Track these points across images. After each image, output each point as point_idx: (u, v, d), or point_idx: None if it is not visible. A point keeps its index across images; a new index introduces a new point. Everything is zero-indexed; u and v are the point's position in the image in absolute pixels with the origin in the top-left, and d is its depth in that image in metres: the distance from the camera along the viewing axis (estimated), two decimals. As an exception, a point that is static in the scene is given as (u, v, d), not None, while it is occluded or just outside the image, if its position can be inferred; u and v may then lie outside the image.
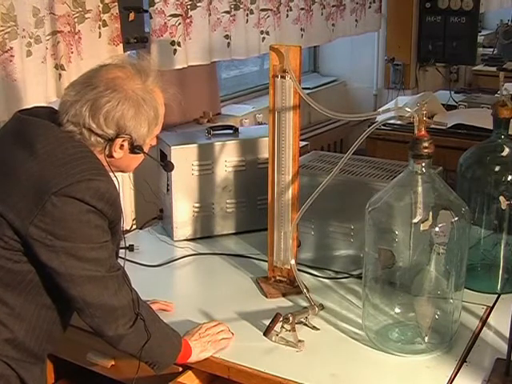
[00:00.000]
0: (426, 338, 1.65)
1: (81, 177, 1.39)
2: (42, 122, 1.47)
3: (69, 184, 1.38)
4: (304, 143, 3.34)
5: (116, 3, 2.29)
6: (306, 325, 1.74)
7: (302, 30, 3.58)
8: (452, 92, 4.16)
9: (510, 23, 5.22)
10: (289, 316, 1.66)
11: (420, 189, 1.60)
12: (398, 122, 3.26)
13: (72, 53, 2.24)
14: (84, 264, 1.41)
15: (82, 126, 1.45)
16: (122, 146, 1.49)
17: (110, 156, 1.50)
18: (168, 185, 2.27)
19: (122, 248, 2.16)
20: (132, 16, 2.39)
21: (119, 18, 2.30)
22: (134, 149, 1.51)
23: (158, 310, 1.81)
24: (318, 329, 1.74)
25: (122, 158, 1.52)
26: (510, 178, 1.89)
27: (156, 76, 1.54)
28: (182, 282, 2.13)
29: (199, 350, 1.63)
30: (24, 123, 1.48)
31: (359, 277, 1.87)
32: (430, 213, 1.58)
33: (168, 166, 1.90)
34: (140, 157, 1.56)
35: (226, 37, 2.99)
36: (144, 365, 1.74)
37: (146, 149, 1.55)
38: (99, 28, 2.27)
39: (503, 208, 1.80)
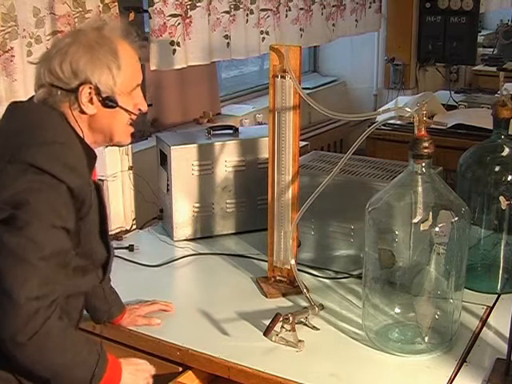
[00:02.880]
0: (426, 338, 1.65)
1: (33, 141, 1.36)
2: (19, 103, 1.49)
3: (20, 150, 1.34)
4: (304, 143, 3.35)
5: (116, 3, 2.29)
6: (306, 325, 1.74)
7: (301, 30, 3.58)
8: (452, 92, 4.17)
9: (510, 23, 5.23)
10: (289, 316, 1.65)
11: (420, 189, 1.60)
12: (398, 122, 3.26)
13: (72, 53, 2.24)
14: (20, 239, 1.30)
15: (47, 84, 1.43)
16: (91, 100, 1.43)
17: (83, 112, 1.44)
18: (168, 185, 2.27)
19: (120, 248, 2.19)
20: (132, 16, 2.39)
21: (119, 18, 2.30)
22: (105, 100, 1.44)
23: (157, 310, 1.81)
24: (318, 329, 1.74)
25: (98, 115, 1.45)
26: (510, 177, 1.89)
27: (115, 27, 1.49)
28: (182, 282, 2.13)
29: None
30: (8, 110, 1.49)
31: (359, 277, 1.87)
32: (430, 213, 1.58)
33: (157, 124, 1.71)
34: (119, 114, 1.48)
35: (226, 37, 2.99)
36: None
37: (122, 103, 1.47)
38: (99, 28, 2.26)
39: (503, 208, 1.79)
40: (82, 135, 1.46)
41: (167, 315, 1.81)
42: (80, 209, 1.39)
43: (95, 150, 1.53)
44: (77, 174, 1.38)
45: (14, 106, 1.49)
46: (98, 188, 1.52)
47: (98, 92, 1.43)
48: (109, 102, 1.45)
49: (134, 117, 1.51)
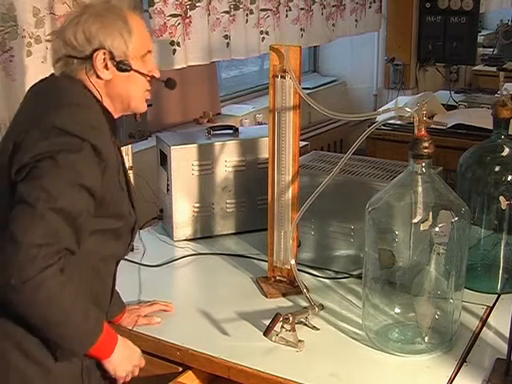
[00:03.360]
0: (426, 338, 1.65)
1: (53, 106, 1.42)
2: (38, 82, 1.56)
3: (42, 116, 1.41)
4: (304, 143, 3.34)
5: (116, 3, 2.29)
6: (306, 325, 1.74)
7: (301, 29, 3.58)
8: (452, 92, 4.17)
9: (510, 23, 5.23)
10: (289, 316, 1.65)
11: (420, 189, 1.60)
12: (398, 122, 3.27)
13: (72, 53, 2.24)
14: (40, 192, 1.33)
15: (63, 57, 1.49)
16: (106, 66, 1.48)
17: (99, 78, 1.49)
18: (168, 185, 2.27)
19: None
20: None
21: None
22: (119, 64, 1.49)
23: (157, 310, 1.81)
24: (318, 329, 1.74)
25: (114, 81, 1.50)
26: (510, 177, 1.89)
27: (122, 0, 1.58)
28: (182, 282, 2.13)
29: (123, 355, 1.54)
30: (30, 91, 1.57)
31: (359, 277, 1.87)
32: (430, 213, 1.58)
33: (170, 83, 1.70)
34: (135, 78, 1.53)
35: (226, 37, 2.99)
36: (145, 363, 1.74)
37: (136, 67, 1.52)
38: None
39: (503, 208, 1.79)
40: (101, 100, 1.51)
41: (167, 315, 1.81)
42: (105, 170, 1.42)
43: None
44: (99, 133, 1.43)
45: (35, 86, 1.56)
46: (120, 152, 1.58)
47: (112, 57, 1.48)
48: (123, 66, 1.49)
49: (148, 80, 1.55)
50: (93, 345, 1.45)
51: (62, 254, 1.37)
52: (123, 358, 1.54)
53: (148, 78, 1.56)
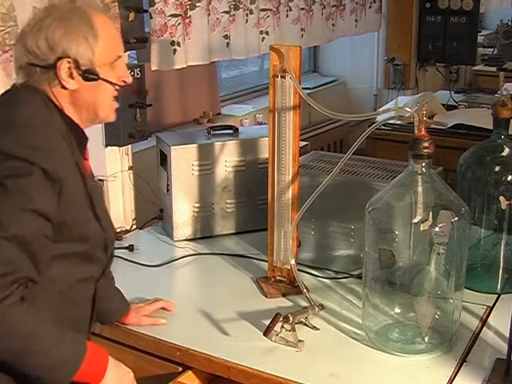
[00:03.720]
0: (426, 338, 1.65)
1: (0, 128, 1.33)
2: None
3: None
4: (304, 143, 3.35)
5: (116, 3, 2.29)
6: (306, 325, 1.74)
7: (302, 30, 3.58)
8: (452, 92, 4.17)
9: (510, 23, 5.23)
10: (289, 316, 1.65)
11: (420, 189, 1.60)
12: (398, 122, 3.27)
13: (72, 53, 2.24)
14: None
15: (25, 65, 1.40)
16: (71, 75, 1.39)
17: (64, 88, 1.40)
18: (168, 185, 2.27)
19: (120, 248, 2.19)
20: (132, 16, 2.38)
21: (119, 18, 2.30)
22: (85, 73, 1.39)
23: (160, 307, 1.81)
24: (318, 329, 1.74)
25: (80, 90, 1.41)
26: (510, 177, 1.89)
27: (89, 0, 1.46)
28: (182, 282, 2.13)
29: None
30: None
31: (359, 277, 1.87)
32: (430, 213, 1.58)
33: (141, 93, 1.66)
34: (102, 87, 1.43)
35: (226, 37, 2.99)
36: (144, 364, 1.74)
37: (104, 75, 1.42)
38: (99, 28, 2.26)
39: (503, 208, 1.80)
40: (64, 112, 1.42)
41: (167, 315, 1.81)
42: (61, 191, 1.34)
43: (84, 131, 1.49)
44: (51, 154, 1.34)
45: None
46: (86, 167, 1.48)
47: (77, 65, 1.39)
48: (89, 75, 1.40)
49: (117, 89, 1.47)
50: (76, 369, 1.35)
51: (21, 282, 1.29)
52: (116, 379, 1.45)
53: (117, 87, 1.47)
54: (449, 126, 3.14)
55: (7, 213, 1.28)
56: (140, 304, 1.81)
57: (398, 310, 1.70)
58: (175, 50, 2.70)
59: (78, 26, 1.39)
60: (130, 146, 2.47)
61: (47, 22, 1.38)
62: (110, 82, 1.45)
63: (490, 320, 1.77)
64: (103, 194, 2.35)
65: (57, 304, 1.44)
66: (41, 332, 1.33)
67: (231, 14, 3.01)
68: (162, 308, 1.82)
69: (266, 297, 1.91)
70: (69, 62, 1.39)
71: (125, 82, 1.49)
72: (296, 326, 1.67)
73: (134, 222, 2.53)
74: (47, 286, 1.39)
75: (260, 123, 3.95)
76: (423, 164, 1.58)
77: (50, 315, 1.39)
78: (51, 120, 1.40)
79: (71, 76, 1.40)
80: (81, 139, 1.48)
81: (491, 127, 1.95)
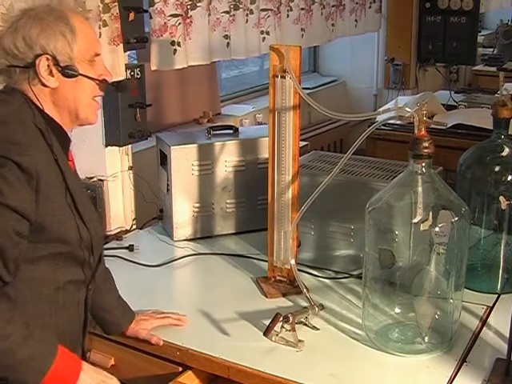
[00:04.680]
0: (426, 338, 1.65)
1: None
2: None
3: None
4: (304, 143, 3.35)
5: (116, 3, 2.29)
6: (306, 325, 1.74)
7: (302, 29, 3.58)
8: (452, 92, 4.17)
9: (510, 23, 5.23)
10: (289, 316, 1.65)
11: (420, 189, 1.60)
12: (398, 122, 3.27)
13: (72, 53, 2.24)
14: None
15: (4, 68, 1.39)
16: (51, 72, 1.39)
17: (45, 85, 1.40)
18: (168, 185, 2.27)
19: (120, 248, 2.19)
20: (132, 16, 2.38)
21: (119, 18, 2.30)
22: (65, 70, 1.39)
23: (168, 325, 1.75)
24: (318, 329, 1.74)
25: (60, 88, 1.41)
26: (510, 177, 1.89)
27: (64, 2, 1.45)
28: (181, 282, 2.13)
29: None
30: None
31: (359, 277, 1.87)
32: (430, 213, 1.58)
33: (120, 86, 1.67)
34: (83, 83, 1.43)
35: (226, 37, 2.99)
36: (144, 364, 1.74)
37: (83, 70, 1.42)
38: (99, 28, 2.26)
39: (503, 208, 1.79)
40: (45, 111, 1.41)
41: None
42: (37, 188, 1.31)
43: (67, 133, 1.48)
44: (23, 149, 1.31)
45: None
46: (69, 167, 1.46)
47: (56, 62, 1.39)
48: (69, 71, 1.40)
49: (98, 86, 1.46)
50: (44, 371, 1.31)
51: None
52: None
53: (97, 82, 1.46)
54: (449, 126, 3.14)
55: None
56: (146, 316, 1.75)
57: (397, 310, 1.70)
58: (175, 50, 2.70)
59: (54, 23, 1.39)
60: (129, 145, 2.47)
61: (23, 21, 1.39)
62: (90, 78, 1.44)
63: (490, 320, 1.77)
64: (103, 196, 2.35)
65: (44, 307, 1.41)
66: (7, 331, 1.29)
67: (231, 13, 3.01)
68: (172, 325, 1.75)
69: (266, 297, 1.91)
70: (47, 59, 1.38)
71: (105, 80, 1.48)
72: (296, 326, 1.67)
73: (134, 221, 2.53)
74: (33, 287, 1.38)
75: (260, 123, 3.95)
76: (423, 164, 1.58)
77: (22, 316, 1.35)
78: (28, 117, 1.39)
79: (51, 73, 1.40)
80: (63, 140, 1.47)
81: (491, 127, 1.95)
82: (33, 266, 1.36)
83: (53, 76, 1.40)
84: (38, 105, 1.41)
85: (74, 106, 1.45)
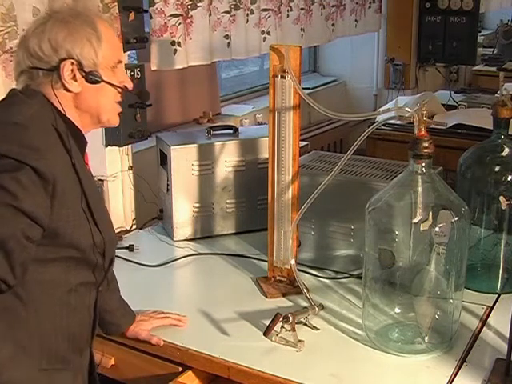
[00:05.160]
0: (426, 338, 1.65)
1: None
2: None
3: None
4: (304, 143, 3.35)
5: (116, 3, 2.29)
6: (306, 325, 1.74)
7: (302, 30, 3.58)
8: (452, 92, 4.17)
9: (510, 23, 5.23)
10: (289, 316, 1.65)
11: (420, 189, 1.60)
12: (398, 122, 3.27)
13: (72, 53, 2.24)
14: None
15: (27, 69, 1.39)
16: (74, 77, 1.38)
17: (67, 90, 1.39)
18: (168, 185, 2.27)
19: (120, 248, 2.19)
20: (132, 16, 2.39)
21: (119, 18, 2.30)
22: (89, 75, 1.39)
23: (168, 325, 1.75)
24: (318, 329, 1.74)
25: (83, 93, 1.40)
26: (510, 177, 1.89)
27: (90, 5, 1.47)
28: (182, 282, 2.13)
29: None
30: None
31: (359, 277, 1.87)
32: (430, 213, 1.58)
33: (143, 95, 1.68)
34: (105, 90, 1.43)
35: (226, 37, 2.99)
36: (144, 364, 1.74)
37: (106, 77, 1.42)
38: (99, 28, 2.27)
39: (503, 208, 1.79)
40: (66, 115, 1.40)
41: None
42: (54, 193, 1.30)
43: (85, 135, 1.47)
44: (41, 154, 1.29)
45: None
46: (85, 172, 1.45)
47: (80, 67, 1.38)
48: (93, 77, 1.39)
49: (120, 91, 1.46)
50: None
51: None
52: None
53: (119, 90, 1.46)
54: (449, 125, 3.14)
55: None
56: (146, 317, 1.75)
57: (398, 310, 1.70)
58: (176, 50, 2.70)
59: (81, 28, 1.38)
60: (130, 145, 2.47)
61: (49, 24, 1.38)
62: (113, 85, 1.44)
63: (490, 320, 1.77)
64: (103, 196, 2.35)
65: (55, 309, 1.40)
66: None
67: (232, 13, 3.01)
68: (172, 325, 1.75)
69: (266, 297, 1.91)
70: (72, 64, 1.38)
71: (126, 87, 1.48)
72: (296, 326, 1.67)
73: (134, 222, 2.53)
74: (45, 289, 1.37)
75: (260, 123, 3.95)
76: (423, 164, 1.58)
77: (50, 324, 1.36)
78: (48, 120, 1.38)
79: (74, 78, 1.39)
80: (81, 142, 1.46)
81: (491, 127, 1.95)
82: (43, 268, 1.35)
83: (76, 81, 1.39)
84: (60, 108, 1.40)
85: (96, 111, 1.45)
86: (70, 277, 1.40)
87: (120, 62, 1.47)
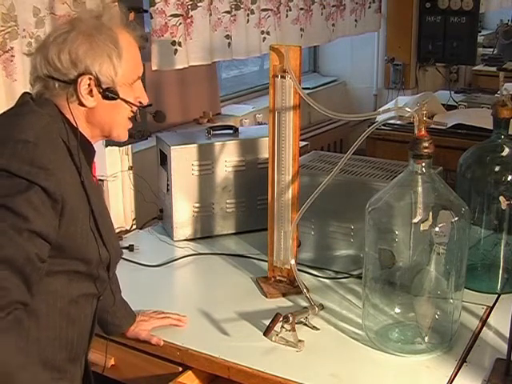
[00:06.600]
0: (426, 338, 1.65)
1: (1, 141, 1.26)
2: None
3: None
4: (304, 143, 3.35)
5: (116, 3, 2.29)
6: (306, 325, 1.74)
7: (301, 30, 3.58)
8: (452, 92, 4.17)
9: (510, 23, 5.23)
10: (289, 316, 1.65)
11: (420, 189, 1.60)
12: (398, 122, 3.27)
13: (72, 53, 2.24)
14: None
15: (44, 76, 1.36)
16: (90, 92, 1.37)
17: (82, 105, 1.38)
18: (168, 185, 2.27)
19: (124, 248, 2.18)
20: (132, 16, 2.38)
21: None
22: (106, 92, 1.37)
23: (169, 325, 1.75)
24: (318, 329, 1.74)
25: (97, 108, 1.39)
26: (510, 177, 1.89)
27: (115, 15, 1.42)
28: (182, 282, 2.13)
29: None
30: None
31: (359, 277, 1.87)
32: (430, 213, 1.58)
33: (159, 116, 1.69)
34: (120, 107, 1.42)
35: (227, 37, 2.99)
36: (144, 364, 1.74)
37: (123, 95, 1.41)
38: (99, 28, 2.27)
39: (503, 208, 1.79)
40: (77, 128, 1.38)
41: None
42: (62, 212, 1.29)
43: (94, 145, 1.47)
44: (51, 173, 1.27)
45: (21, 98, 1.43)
46: (96, 187, 1.45)
47: (98, 83, 1.37)
48: (109, 94, 1.38)
49: (134, 109, 1.46)
50: None
51: (11, 308, 1.21)
52: None
53: (135, 108, 1.45)
54: (449, 125, 3.14)
55: (1, 233, 1.21)
56: (146, 317, 1.75)
57: (398, 310, 1.70)
58: (176, 50, 2.70)
59: (103, 43, 1.36)
60: (129, 145, 2.47)
61: (72, 35, 1.35)
62: (128, 102, 1.43)
63: (490, 320, 1.77)
64: (104, 196, 2.35)
65: (56, 320, 1.39)
66: (19, 367, 1.23)
67: (232, 14, 3.01)
68: (172, 325, 1.75)
69: (266, 297, 1.91)
70: (90, 79, 1.36)
71: (141, 102, 1.47)
72: (296, 326, 1.67)
73: (134, 222, 2.53)
74: (47, 300, 1.36)
75: (260, 123, 3.95)
76: (423, 164, 1.58)
77: (50, 335, 1.35)
78: (58, 134, 1.36)
79: (91, 93, 1.38)
80: (89, 153, 1.46)
81: (491, 127, 1.95)
82: (49, 279, 1.34)
83: (92, 96, 1.38)
84: (72, 121, 1.39)
85: (108, 127, 1.44)
86: (73, 289, 1.40)
87: (139, 77, 1.46)
